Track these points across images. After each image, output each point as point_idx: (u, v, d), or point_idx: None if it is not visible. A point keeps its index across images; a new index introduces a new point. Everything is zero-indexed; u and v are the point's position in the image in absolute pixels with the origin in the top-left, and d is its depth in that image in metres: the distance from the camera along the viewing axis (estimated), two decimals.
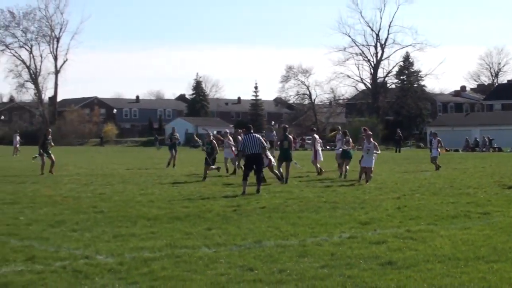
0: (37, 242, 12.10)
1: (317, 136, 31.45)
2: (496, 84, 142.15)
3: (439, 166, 33.19)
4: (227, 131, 37.35)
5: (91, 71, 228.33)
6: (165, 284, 8.79)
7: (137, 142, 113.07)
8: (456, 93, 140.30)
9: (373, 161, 24.88)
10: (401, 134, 72.38)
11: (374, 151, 24.84)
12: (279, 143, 26.96)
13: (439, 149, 34.66)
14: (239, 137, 29.38)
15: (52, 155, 30.76)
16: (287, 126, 27.68)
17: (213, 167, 27.59)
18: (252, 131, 22.07)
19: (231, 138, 31.47)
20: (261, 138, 22.32)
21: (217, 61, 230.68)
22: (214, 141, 27.88)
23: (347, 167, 27.67)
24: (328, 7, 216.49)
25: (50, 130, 33.68)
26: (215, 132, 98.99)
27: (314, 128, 25.73)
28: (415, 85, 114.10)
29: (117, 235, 12.81)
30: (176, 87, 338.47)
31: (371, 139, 25.36)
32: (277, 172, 25.10)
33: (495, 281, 8.91)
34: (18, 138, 60.79)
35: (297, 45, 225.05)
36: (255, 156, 21.38)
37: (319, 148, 30.63)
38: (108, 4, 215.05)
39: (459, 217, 15.53)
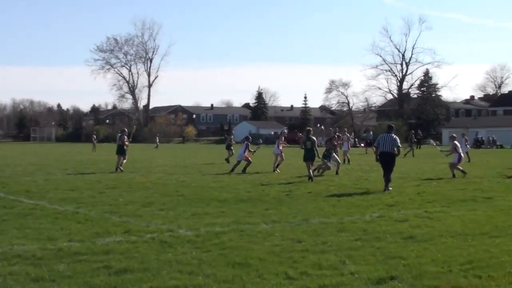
0: (132, 218, 12.24)
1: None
2: (499, 94, 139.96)
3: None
4: (285, 130, 36.83)
5: (176, 85, 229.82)
6: (232, 253, 8.80)
7: (211, 141, 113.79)
8: (466, 101, 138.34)
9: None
10: (421, 134, 71.65)
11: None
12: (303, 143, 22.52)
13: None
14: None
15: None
16: (310, 129, 23.37)
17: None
18: (391, 131, 18.26)
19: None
20: (397, 138, 18.13)
21: (275, 76, 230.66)
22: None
23: None
24: (364, 33, 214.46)
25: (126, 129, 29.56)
26: (272, 133, 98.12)
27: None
28: (433, 95, 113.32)
29: (194, 213, 12.88)
30: (242, 97, 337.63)
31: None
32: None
33: (496, 253, 8.74)
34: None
35: (339, 63, 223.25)
36: (384, 154, 17.93)
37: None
38: (189, 32, 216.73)
39: (468, 201, 15.29)
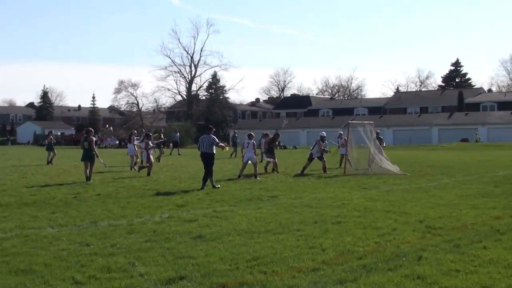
0: None
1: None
2: (282, 97, 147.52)
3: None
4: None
5: None
6: (15, 259, 8.40)
7: None
8: (252, 104, 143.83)
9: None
10: None
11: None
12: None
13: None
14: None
15: None
16: (90, 129, 22.64)
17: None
18: (210, 132, 19.25)
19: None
20: (215, 139, 19.19)
21: (62, 75, 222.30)
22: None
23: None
24: (153, 34, 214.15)
25: None
26: (59, 134, 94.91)
27: (143, 130, 24.59)
28: (221, 97, 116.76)
29: None
30: (26, 96, 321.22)
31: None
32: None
33: (280, 248, 9.17)
34: None
35: (128, 64, 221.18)
36: (204, 154, 19.00)
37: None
38: None
39: (254, 199, 15.87)
